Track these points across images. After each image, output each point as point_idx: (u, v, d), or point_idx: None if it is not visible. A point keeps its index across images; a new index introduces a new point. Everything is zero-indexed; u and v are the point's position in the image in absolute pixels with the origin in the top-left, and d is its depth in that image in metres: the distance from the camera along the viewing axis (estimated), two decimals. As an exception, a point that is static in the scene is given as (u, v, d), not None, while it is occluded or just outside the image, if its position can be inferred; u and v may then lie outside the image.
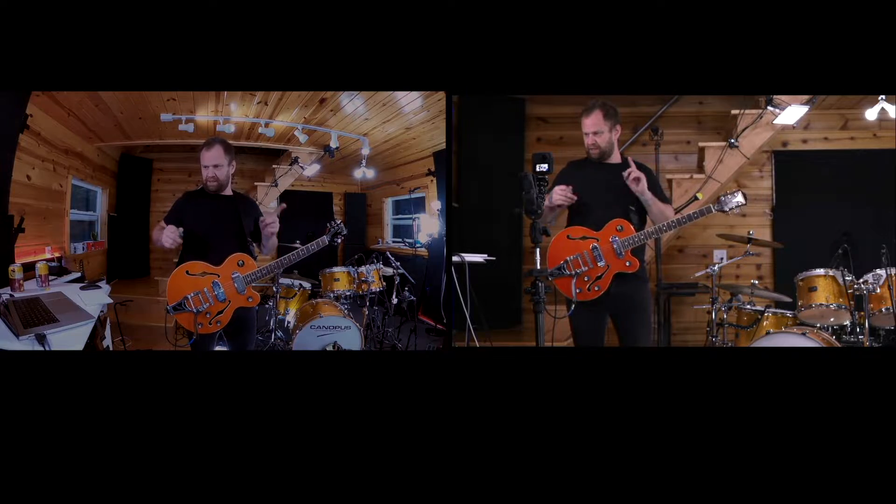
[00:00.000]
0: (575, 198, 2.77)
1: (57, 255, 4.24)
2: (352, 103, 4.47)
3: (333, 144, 5.19)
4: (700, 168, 4.41)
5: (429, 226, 5.52)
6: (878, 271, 3.28)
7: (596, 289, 2.76)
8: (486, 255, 3.28)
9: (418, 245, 5.53)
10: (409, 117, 4.72)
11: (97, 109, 4.44)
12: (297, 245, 3.83)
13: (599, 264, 2.76)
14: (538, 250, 2.34)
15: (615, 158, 2.89)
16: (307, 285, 4.49)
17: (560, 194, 2.76)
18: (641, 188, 2.72)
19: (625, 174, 2.73)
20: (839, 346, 3.17)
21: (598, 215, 2.79)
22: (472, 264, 3.17)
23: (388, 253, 4.63)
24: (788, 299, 3.58)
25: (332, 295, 4.32)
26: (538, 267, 2.29)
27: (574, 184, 2.82)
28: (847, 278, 3.26)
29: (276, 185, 5.87)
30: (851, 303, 3.28)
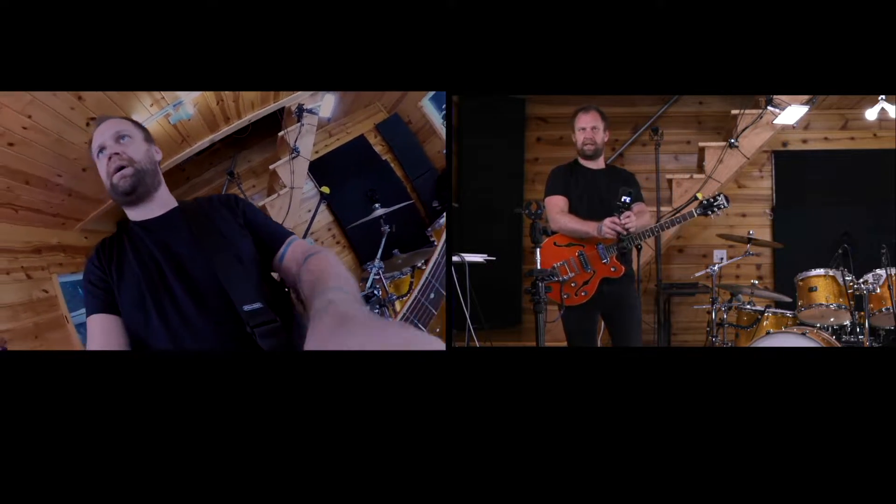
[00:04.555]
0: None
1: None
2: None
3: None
4: (700, 168, 4.41)
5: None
6: (878, 271, 3.29)
7: (583, 294, 2.83)
8: (486, 255, 3.28)
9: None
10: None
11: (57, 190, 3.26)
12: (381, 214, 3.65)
13: (586, 270, 2.82)
14: (538, 250, 2.36)
15: (600, 164, 3.00)
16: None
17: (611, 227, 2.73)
18: (634, 225, 2.73)
19: (623, 220, 2.69)
20: (839, 346, 3.17)
21: None
22: (472, 264, 3.17)
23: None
24: (788, 299, 3.59)
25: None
26: (538, 267, 2.31)
27: (566, 191, 2.93)
28: (847, 278, 3.26)
29: (298, 154, 4.51)
30: (851, 303, 3.28)
